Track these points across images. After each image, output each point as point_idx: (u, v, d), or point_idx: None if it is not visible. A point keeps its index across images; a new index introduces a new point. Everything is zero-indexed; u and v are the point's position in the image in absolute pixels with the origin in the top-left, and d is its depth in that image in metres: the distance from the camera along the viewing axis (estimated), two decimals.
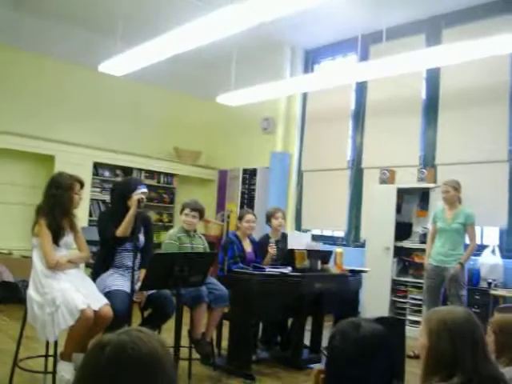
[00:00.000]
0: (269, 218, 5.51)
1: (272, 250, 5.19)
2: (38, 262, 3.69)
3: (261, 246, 5.31)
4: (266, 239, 5.40)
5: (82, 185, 3.94)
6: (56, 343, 3.57)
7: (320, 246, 6.78)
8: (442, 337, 1.85)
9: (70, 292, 3.53)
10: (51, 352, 3.69)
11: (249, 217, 5.23)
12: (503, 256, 6.20)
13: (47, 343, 3.77)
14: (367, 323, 1.65)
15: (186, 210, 4.68)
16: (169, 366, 1.10)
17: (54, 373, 3.54)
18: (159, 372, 1.07)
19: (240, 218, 5.26)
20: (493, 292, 5.89)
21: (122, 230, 3.96)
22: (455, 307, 2.05)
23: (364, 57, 7.66)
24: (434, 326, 1.89)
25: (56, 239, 3.75)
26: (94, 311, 3.53)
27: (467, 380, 1.75)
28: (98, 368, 1.06)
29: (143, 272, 3.94)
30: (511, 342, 2.61)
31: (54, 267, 3.67)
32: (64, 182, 3.82)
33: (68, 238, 3.86)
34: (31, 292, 3.64)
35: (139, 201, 3.95)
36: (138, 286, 3.87)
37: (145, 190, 4.12)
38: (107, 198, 8.41)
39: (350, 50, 8.21)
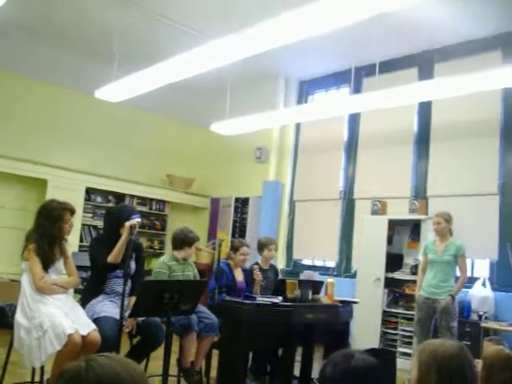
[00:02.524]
0: (262, 248, 5.51)
1: (257, 276, 5.18)
2: (28, 286, 3.67)
3: (249, 274, 5.30)
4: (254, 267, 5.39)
5: (72, 212, 3.92)
6: (42, 369, 3.52)
7: (316, 276, 6.78)
8: (430, 369, 1.84)
9: (57, 317, 3.50)
10: (37, 378, 3.64)
11: (244, 250, 5.21)
12: (494, 289, 6.20)
13: (33, 369, 3.71)
14: (360, 355, 1.65)
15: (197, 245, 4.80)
16: None
17: None
18: None
19: (235, 250, 5.23)
20: (483, 324, 5.87)
21: (113, 257, 3.95)
22: (448, 340, 2.03)
23: (357, 89, 7.76)
24: (423, 359, 1.89)
25: (45, 266, 3.73)
26: (83, 337, 3.49)
27: None
28: None
29: (133, 299, 3.91)
30: (494, 376, 2.60)
31: (43, 289, 3.64)
32: (53, 212, 3.80)
33: (58, 264, 3.84)
34: (18, 317, 3.61)
35: (131, 227, 3.94)
36: (127, 313, 3.84)
37: (138, 219, 4.10)
38: (99, 223, 8.40)
39: (343, 82, 8.31)
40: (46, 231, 3.76)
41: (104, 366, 1.08)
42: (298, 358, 5.28)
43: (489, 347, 3.18)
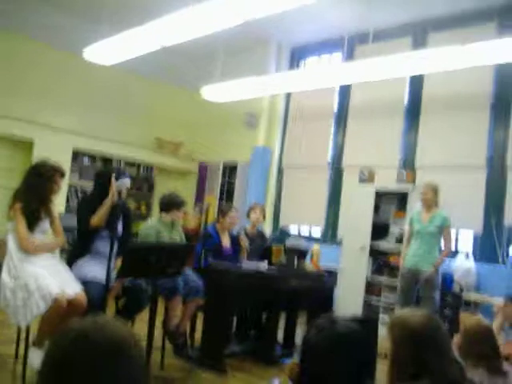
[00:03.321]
0: (248, 212, 5.55)
1: (243, 242, 5.22)
2: (13, 246, 3.66)
3: (236, 240, 5.32)
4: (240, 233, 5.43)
5: (62, 175, 3.91)
6: (28, 329, 3.54)
7: (303, 243, 6.83)
8: (404, 341, 1.89)
9: (44, 278, 3.50)
10: (23, 338, 3.66)
11: (232, 213, 5.24)
12: (476, 261, 6.29)
13: (19, 329, 3.73)
14: (343, 321, 1.67)
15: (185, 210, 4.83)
16: (135, 354, 1.10)
17: (25, 359, 3.51)
18: (123, 358, 1.08)
19: (223, 214, 5.25)
20: (465, 296, 5.98)
21: (96, 220, 3.93)
22: (417, 310, 2.06)
23: (350, 57, 7.70)
24: (396, 332, 1.93)
25: (31, 226, 3.71)
26: (69, 298, 3.50)
27: (433, 382, 1.79)
28: (62, 351, 1.06)
29: (119, 261, 3.92)
30: (474, 348, 2.68)
31: (28, 248, 3.63)
32: (45, 172, 3.80)
33: (44, 224, 3.82)
34: (4, 276, 3.60)
35: (119, 192, 3.93)
36: (114, 272, 3.85)
37: (128, 180, 4.09)
38: (85, 184, 8.37)
39: (336, 49, 8.23)
40: (36, 191, 3.74)
41: (110, 327, 1.09)
42: (282, 323, 5.36)
43: (467, 318, 3.24)
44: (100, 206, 3.94)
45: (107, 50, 6.64)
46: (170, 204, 4.72)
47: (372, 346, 1.95)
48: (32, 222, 3.72)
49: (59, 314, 3.44)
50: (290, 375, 1.71)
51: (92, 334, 1.07)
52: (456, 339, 3.04)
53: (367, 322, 4.89)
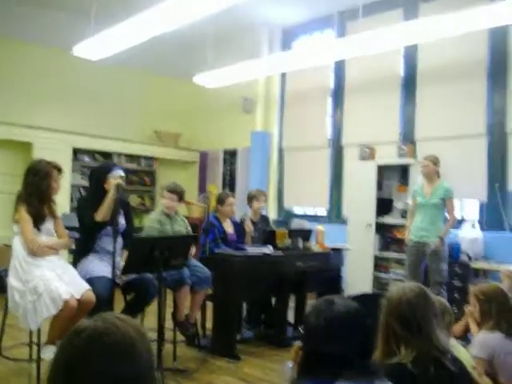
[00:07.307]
0: (251, 199, 5.52)
1: (248, 227, 5.21)
2: (20, 249, 3.67)
3: (239, 226, 5.32)
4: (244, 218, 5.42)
5: (59, 171, 3.91)
6: (39, 331, 3.56)
7: (306, 225, 6.82)
8: (389, 314, 2.07)
9: (52, 281, 3.51)
10: (35, 340, 3.69)
11: (230, 200, 5.22)
12: (483, 229, 6.27)
13: (31, 331, 3.76)
14: (341, 300, 1.67)
15: (164, 193, 4.67)
16: (144, 352, 1.11)
17: (38, 361, 3.54)
18: (133, 358, 1.09)
19: (221, 202, 5.23)
20: (473, 265, 5.96)
21: (101, 215, 3.92)
22: (407, 285, 2.22)
23: (341, 33, 7.62)
24: (384, 304, 2.11)
25: (37, 225, 3.72)
26: (77, 298, 3.51)
27: (415, 354, 1.92)
28: (73, 353, 1.07)
29: (126, 253, 3.93)
30: (493, 309, 2.78)
31: (35, 251, 3.65)
32: (41, 169, 3.80)
33: (49, 225, 3.84)
34: (11, 280, 3.62)
35: (118, 185, 3.92)
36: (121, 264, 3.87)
37: (121, 172, 4.10)
38: (88, 183, 8.36)
39: (326, 27, 8.15)
40: (35, 188, 3.76)
41: (119, 329, 1.10)
42: (292, 305, 5.38)
43: (483, 286, 3.33)
44: (98, 202, 3.93)
45: (97, 46, 6.59)
46: (163, 188, 4.75)
47: (376, 323, 1.98)
48: (37, 220, 3.73)
49: (69, 315, 3.46)
50: (294, 358, 1.71)
51: (104, 333, 1.08)
52: (470, 308, 3.08)
53: (376, 298, 4.90)
